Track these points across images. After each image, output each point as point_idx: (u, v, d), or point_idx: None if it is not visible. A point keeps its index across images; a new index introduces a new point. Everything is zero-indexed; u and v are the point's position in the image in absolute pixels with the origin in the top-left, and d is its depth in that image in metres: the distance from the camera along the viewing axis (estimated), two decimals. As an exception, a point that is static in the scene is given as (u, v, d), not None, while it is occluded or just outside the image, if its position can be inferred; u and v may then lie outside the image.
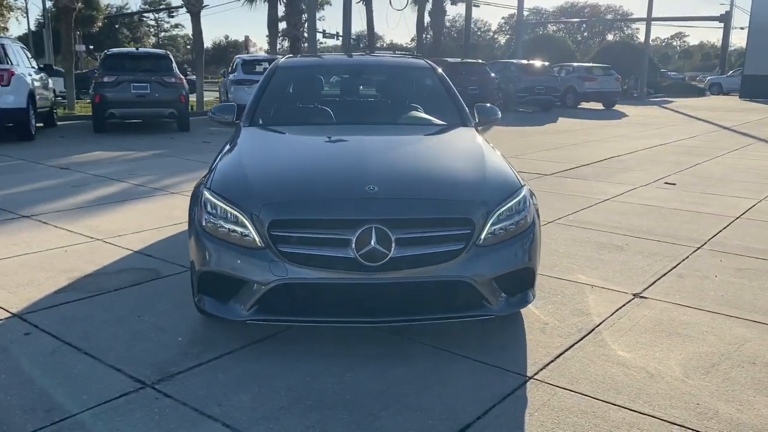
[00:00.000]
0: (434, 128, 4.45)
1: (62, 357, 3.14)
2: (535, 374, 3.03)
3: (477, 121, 4.56)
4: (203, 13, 20.26)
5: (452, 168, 3.54)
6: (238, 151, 3.78)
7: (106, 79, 12.90)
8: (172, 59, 14.06)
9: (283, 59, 5.06)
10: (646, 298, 4.07)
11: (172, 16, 74.65)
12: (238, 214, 3.08)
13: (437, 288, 3.09)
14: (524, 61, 23.87)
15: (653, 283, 4.35)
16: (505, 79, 22.15)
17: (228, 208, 3.13)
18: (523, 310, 3.72)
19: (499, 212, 3.20)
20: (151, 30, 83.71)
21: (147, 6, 78.37)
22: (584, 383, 2.95)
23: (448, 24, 60.21)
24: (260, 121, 4.35)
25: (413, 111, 4.72)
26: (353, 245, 2.95)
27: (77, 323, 3.56)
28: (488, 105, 4.76)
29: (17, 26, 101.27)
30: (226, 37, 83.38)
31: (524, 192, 3.40)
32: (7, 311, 3.70)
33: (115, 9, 67.67)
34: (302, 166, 3.53)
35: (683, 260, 4.87)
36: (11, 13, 53.48)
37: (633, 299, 4.03)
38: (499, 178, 3.46)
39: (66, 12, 19.66)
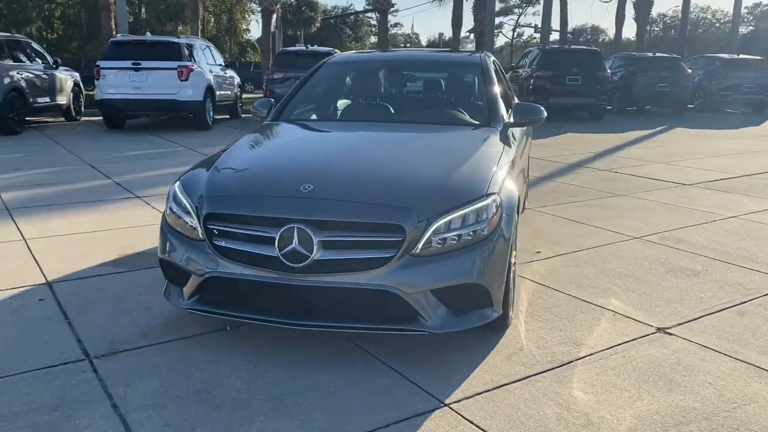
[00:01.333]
0: (452, 129, 4.17)
1: (47, 324, 3.50)
2: (454, 402, 2.75)
3: (512, 121, 4.21)
4: (411, 12, 20.84)
5: (412, 172, 3.31)
6: (230, 146, 3.90)
7: (275, 76, 13.91)
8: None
9: (335, 55, 5.09)
10: (670, 334, 3.48)
11: (393, 14, 77.92)
12: (188, 206, 3.20)
13: (363, 296, 2.93)
14: (732, 56, 21.18)
15: (698, 318, 3.69)
16: (707, 75, 19.92)
17: (184, 200, 3.25)
18: (508, 331, 3.40)
19: (444, 220, 2.94)
20: (372, 29, 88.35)
21: (370, 6, 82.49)
22: (499, 421, 2.62)
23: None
24: (282, 117, 4.43)
25: (447, 110, 4.50)
26: (276, 244, 2.91)
27: (87, 294, 3.94)
28: (528, 104, 4.40)
29: (257, 27, 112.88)
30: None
31: (487, 201, 3.08)
32: (45, 278, 4.20)
33: (340, 10, 72.18)
34: (262, 163, 3.55)
35: (760, 297, 4.05)
36: (252, 15, 59.83)
37: (653, 333, 3.47)
38: (460, 185, 3.17)
39: (267, 14, 21.56)
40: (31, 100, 12.43)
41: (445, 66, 5.03)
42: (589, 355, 3.21)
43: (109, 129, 13.03)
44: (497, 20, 75.50)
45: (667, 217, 6.13)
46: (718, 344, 3.35)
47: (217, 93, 13.57)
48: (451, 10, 24.22)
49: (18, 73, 12.08)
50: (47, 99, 13.26)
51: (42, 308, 3.72)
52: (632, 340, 3.39)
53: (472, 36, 25.80)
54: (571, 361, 3.14)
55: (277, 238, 2.91)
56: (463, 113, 4.35)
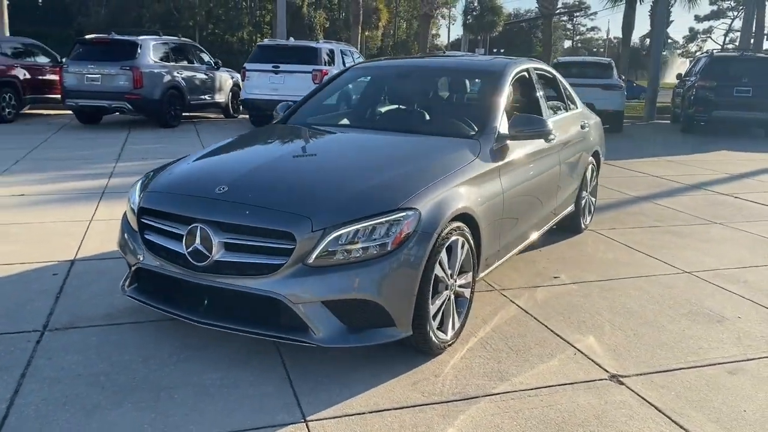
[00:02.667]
0: (426, 139, 3.98)
1: (40, 297, 3.91)
2: (314, 420, 2.68)
3: (507, 133, 3.94)
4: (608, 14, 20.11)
5: (330, 180, 3.23)
6: (211, 145, 4.08)
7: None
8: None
9: (362, 62, 5.09)
10: (621, 383, 3.06)
11: (591, 18, 74.42)
12: (135, 200, 3.43)
13: (255, 301, 2.94)
14: None
15: (672, 370, 3.21)
16: None
17: (134, 194, 3.49)
18: (442, 356, 3.24)
19: (342, 232, 2.86)
20: (567, 33, 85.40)
21: (567, 9, 79.75)
22: (341, 445, 2.51)
23: None
24: (289, 120, 4.52)
25: (435, 119, 4.33)
26: (183, 241, 3.03)
27: (92, 274, 4.34)
28: (527, 116, 4.09)
29: (447, 32, 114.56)
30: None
31: (396, 216, 2.94)
32: (74, 256, 4.71)
33: (533, 13, 70.60)
34: (204, 164, 3.65)
35: (777, 354, 3.41)
36: (443, 20, 61.09)
37: (600, 380, 3.08)
38: (373, 197, 3.05)
39: (426, 18, 21.85)
40: (189, 97, 13.77)
41: (460, 74, 4.81)
42: (505, 393, 2.94)
43: (255, 127, 14.02)
44: (706, 24, 69.14)
45: (747, 252, 5.33)
46: (668, 402, 2.89)
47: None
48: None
49: (178, 73, 13.46)
50: (205, 97, 14.61)
51: (48, 283, 4.17)
52: (570, 383, 3.04)
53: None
54: (477, 397, 2.89)
55: (184, 235, 3.02)
56: (453, 123, 4.15)
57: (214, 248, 2.95)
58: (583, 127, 5.40)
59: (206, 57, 15.11)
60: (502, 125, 3.97)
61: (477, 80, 4.60)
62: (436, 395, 2.89)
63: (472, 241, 3.42)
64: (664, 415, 2.78)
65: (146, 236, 3.24)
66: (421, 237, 2.97)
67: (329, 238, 2.85)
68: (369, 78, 4.94)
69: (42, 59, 14.67)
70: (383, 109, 4.61)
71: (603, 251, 5.24)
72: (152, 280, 3.29)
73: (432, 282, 3.07)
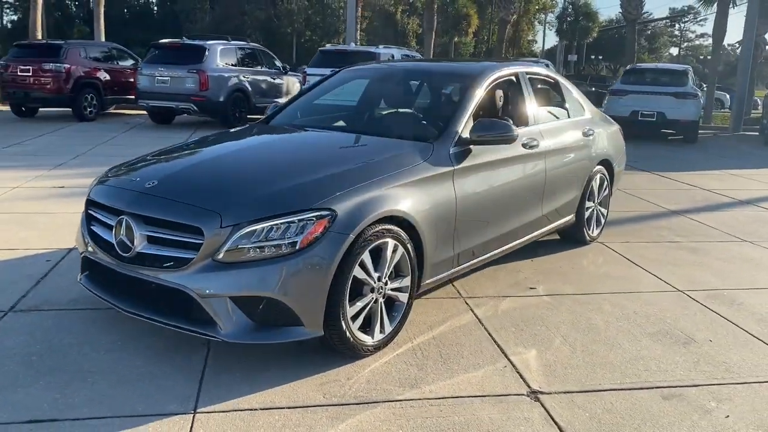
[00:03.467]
0: (377, 140, 3.92)
1: (24, 280, 4.18)
2: (203, 412, 2.74)
3: (468, 138, 3.86)
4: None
5: (252, 179, 3.28)
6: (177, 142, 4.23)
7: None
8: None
9: (353, 66, 5.11)
10: (536, 400, 2.94)
11: (701, 24, 70.33)
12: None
13: (170, 293, 3.03)
14: None
15: (600, 390, 3.04)
16: None
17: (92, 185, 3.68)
18: (367, 359, 3.22)
19: (252, 229, 2.91)
20: (673, 39, 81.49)
21: (674, 14, 75.96)
22: (214, 438, 2.55)
23: None
24: (270, 121, 4.61)
25: (396, 121, 4.32)
26: (113, 233, 3.18)
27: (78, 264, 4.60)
28: (492, 120, 3.97)
29: (544, 38, 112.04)
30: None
31: (308, 216, 2.95)
32: (72, 246, 5.00)
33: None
34: (152, 160, 3.76)
35: (725, 384, 3.15)
36: (539, 26, 60.15)
37: (514, 395, 2.96)
38: (289, 196, 3.07)
39: (503, 24, 21.53)
40: (254, 100, 14.22)
41: (437, 78, 4.72)
42: (408, 400, 2.88)
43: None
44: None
45: (763, 274, 4.92)
46: (576, 424, 2.74)
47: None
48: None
49: (244, 77, 13.95)
50: (271, 99, 15.04)
51: (39, 268, 4.46)
52: (482, 396, 2.94)
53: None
54: (377, 402, 2.86)
55: (113, 227, 3.16)
56: (412, 126, 4.11)
57: (136, 240, 3.07)
58: (586, 134, 5.18)
59: (277, 62, 15.57)
60: (466, 129, 3.88)
61: (451, 84, 4.52)
62: (336, 397, 2.88)
63: (410, 245, 3.37)
64: (563, 435, 2.64)
65: (91, 227, 3.41)
66: (334, 238, 2.97)
67: (238, 235, 2.90)
68: (353, 81, 4.96)
69: (125, 62, 15.62)
70: (353, 111, 4.62)
71: (599, 265, 5.00)
72: (96, 270, 3.46)
73: (349, 283, 3.05)
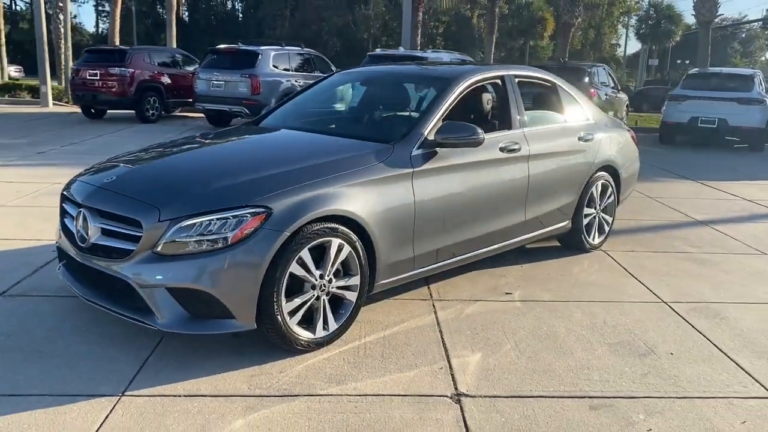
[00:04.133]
0: (338, 141, 3.99)
1: (21, 267, 4.50)
2: (130, 395, 2.89)
3: (433, 140, 3.88)
4: None
5: (201, 175, 3.41)
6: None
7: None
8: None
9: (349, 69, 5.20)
10: (456, 402, 2.93)
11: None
12: (69, 187, 3.86)
13: (115, 282, 3.20)
14: None
15: (528, 397, 3.00)
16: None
17: None
18: (307, 355, 3.31)
19: (188, 223, 3.05)
20: (768, 44, 77.26)
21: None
22: (138, 420, 2.70)
23: None
24: (257, 122, 4.76)
25: (364, 123, 4.38)
26: (74, 224, 3.40)
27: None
28: (459, 123, 3.96)
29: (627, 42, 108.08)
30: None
31: (242, 212, 3.07)
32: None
33: (730, 21, 64.52)
34: (129, 157, 3.95)
35: (667, 398, 3.04)
36: (622, 30, 58.52)
37: (435, 396, 2.97)
38: (227, 192, 3.19)
39: (566, 27, 21.08)
40: (306, 103, 14.50)
41: (415, 81, 4.71)
42: (327, 395, 2.95)
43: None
44: None
45: (762, 287, 4.67)
46: (487, 428, 2.72)
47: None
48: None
49: (296, 81, 14.29)
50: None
51: (43, 257, 4.77)
52: (404, 395, 2.97)
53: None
54: (297, 395, 2.94)
55: (74, 219, 3.38)
56: (376, 127, 4.16)
57: (91, 231, 3.27)
58: (583, 139, 5.06)
59: (332, 67, 15.85)
60: (433, 132, 3.90)
61: (426, 88, 4.52)
62: (260, 389, 2.97)
63: (359, 245, 3.42)
64: (467, 439, 2.64)
65: (64, 219, 3.65)
66: (267, 234, 3.06)
67: (175, 228, 3.04)
68: (343, 84, 5.04)
69: (189, 67, 16.30)
70: (331, 113, 4.71)
71: (590, 273, 4.88)
72: (67, 260, 3.69)
73: (284, 279, 3.13)
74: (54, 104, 19.14)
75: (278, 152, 3.94)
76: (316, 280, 3.29)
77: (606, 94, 14.12)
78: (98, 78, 14.72)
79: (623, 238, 5.90)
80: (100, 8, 67.15)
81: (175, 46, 22.66)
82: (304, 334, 3.30)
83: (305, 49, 15.58)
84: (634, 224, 6.51)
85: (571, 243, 5.31)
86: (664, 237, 6.05)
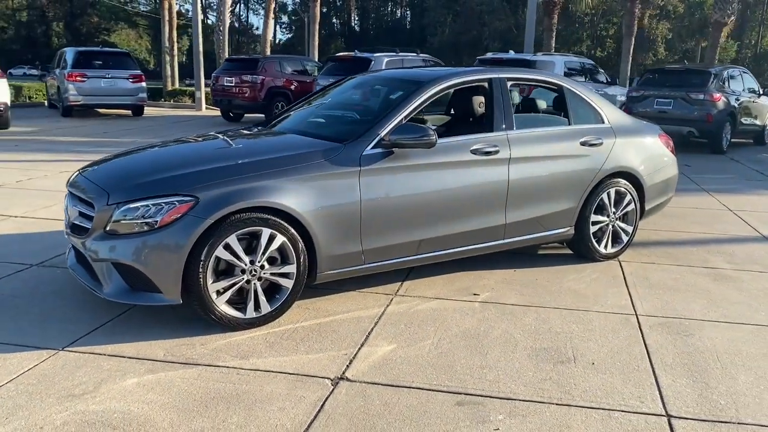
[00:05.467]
0: (299, 140, 4.29)
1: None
2: (68, 350, 3.42)
3: (388, 140, 4.06)
4: None
5: (155, 168, 3.84)
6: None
7: (633, 94, 13.11)
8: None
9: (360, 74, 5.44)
10: (335, 385, 3.12)
11: None
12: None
13: (82, 256, 3.77)
14: None
15: (411, 388, 3.12)
16: None
17: None
18: (242, 332, 3.66)
19: (128, 207, 3.53)
20: None
21: None
22: (59, 374, 3.22)
23: None
24: (267, 123, 5.17)
25: (329, 124, 4.70)
26: (66, 208, 4.04)
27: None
28: (412, 125, 4.10)
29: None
30: None
31: (170, 199, 3.49)
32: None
33: None
34: (126, 153, 4.50)
35: (543, 403, 3.00)
36: None
37: (315, 378, 3.18)
38: (165, 182, 3.60)
39: (717, 27, 19.44)
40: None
41: (397, 85, 4.78)
42: (223, 366, 3.26)
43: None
44: None
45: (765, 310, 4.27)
46: (337, 409, 2.90)
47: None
48: None
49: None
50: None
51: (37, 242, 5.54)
52: (289, 374, 3.21)
53: None
54: (197, 364, 3.28)
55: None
56: (336, 127, 4.39)
57: (70, 212, 3.87)
58: (588, 143, 4.91)
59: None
60: (390, 133, 4.07)
61: (400, 90, 4.62)
62: (171, 356, 3.36)
63: (296, 235, 3.71)
64: (320, 417, 2.83)
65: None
66: (191, 220, 3.45)
67: (119, 211, 3.54)
68: (341, 88, 5.30)
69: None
70: (315, 114, 4.98)
71: (581, 281, 4.73)
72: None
73: (209, 261, 3.50)
74: (207, 108, 21.18)
75: (238, 148, 4.32)
76: (246, 265, 3.62)
77: (737, 99, 12.96)
78: (233, 85, 16.14)
79: (653, 249, 5.59)
80: (279, 20, 73.10)
81: (317, 54, 24.03)
82: (232, 313, 3.64)
83: (421, 54, 15.92)
84: (679, 236, 6.11)
85: (579, 251, 5.17)
86: (704, 250, 5.63)
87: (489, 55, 14.46)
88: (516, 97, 5.20)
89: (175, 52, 27.49)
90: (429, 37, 66.91)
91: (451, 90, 4.82)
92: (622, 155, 5.11)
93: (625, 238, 5.28)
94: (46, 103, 20.82)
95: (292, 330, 3.73)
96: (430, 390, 3.08)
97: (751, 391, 3.13)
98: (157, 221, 3.46)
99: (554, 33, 20.59)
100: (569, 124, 4.99)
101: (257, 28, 77.27)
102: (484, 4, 53.85)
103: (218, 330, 3.65)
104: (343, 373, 3.23)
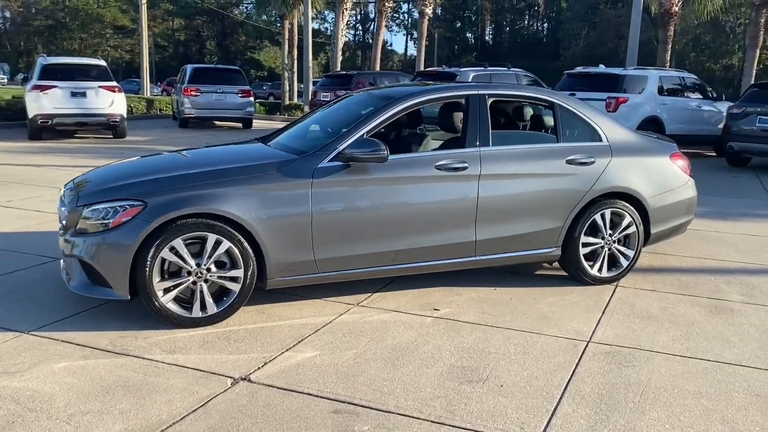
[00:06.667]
0: (262, 151, 4.58)
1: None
2: (32, 334, 3.86)
3: (345, 154, 4.20)
4: None
5: (125, 176, 4.23)
6: None
7: (734, 111, 12.18)
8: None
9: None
10: (234, 384, 3.31)
11: None
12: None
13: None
14: None
15: (297, 393, 3.24)
16: None
17: None
18: (177, 331, 3.95)
19: (90, 209, 3.92)
20: None
21: None
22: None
23: None
24: (262, 139, 5.44)
25: (301, 138, 4.84)
26: (60, 210, 4.55)
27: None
28: (367, 139, 4.21)
29: None
30: None
31: (121, 203, 3.84)
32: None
33: None
34: (119, 161, 4.92)
35: (422, 420, 3.00)
36: None
37: (224, 377, 3.38)
38: (121, 189, 3.97)
39: None
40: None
41: (373, 101, 4.82)
42: (145, 359, 3.54)
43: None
44: None
45: (744, 348, 3.91)
46: (219, 405, 3.08)
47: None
48: None
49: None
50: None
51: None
52: (199, 370, 3.42)
53: None
54: (126, 355, 3.58)
55: None
56: (303, 142, 4.53)
57: (60, 215, 4.35)
58: (575, 162, 4.73)
59: (543, 85, 15.73)
60: (348, 147, 4.21)
61: (371, 106, 4.68)
62: (111, 346, 3.69)
63: (244, 242, 3.95)
64: (198, 411, 3.03)
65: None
66: (138, 223, 3.79)
67: (84, 212, 3.95)
68: (334, 104, 5.45)
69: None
70: (302, 130, 5.15)
71: (556, 305, 4.56)
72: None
73: (154, 262, 3.80)
74: (314, 121, 22.12)
75: (204, 159, 4.62)
76: (192, 267, 3.90)
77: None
78: (329, 99, 16.78)
79: (665, 275, 5.27)
80: (409, 35, 75.09)
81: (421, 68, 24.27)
82: (178, 311, 3.92)
83: (514, 69, 15.68)
84: (712, 264, 5.67)
85: (570, 273, 4.98)
86: (725, 280, 5.20)
87: (578, 69, 13.99)
88: (505, 113, 5.13)
89: (295, 68, 28.95)
90: (562, 50, 65.25)
91: (436, 106, 4.86)
92: (618, 175, 4.87)
93: (624, 263, 5.01)
94: (173, 115, 22.70)
95: (234, 331, 3.94)
96: (317, 396, 3.17)
97: (650, 430, 2.93)
98: (110, 222, 3.82)
99: (669, 46, 19.44)
100: (557, 142, 4.84)
101: (391, 44, 79.65)
102: (622, 17, 51.74)
103: (168, 326, 3.94)
104: (250, 374, 3.39)
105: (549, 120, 5.00)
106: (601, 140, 4.94)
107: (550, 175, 4.68)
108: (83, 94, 14.22)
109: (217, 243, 3.91)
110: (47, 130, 14.31)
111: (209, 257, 3.92)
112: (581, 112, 4.96)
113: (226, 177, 4.01)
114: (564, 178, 4.72)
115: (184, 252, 3.87)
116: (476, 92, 4.70)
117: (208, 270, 3.94)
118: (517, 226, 4.63)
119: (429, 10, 24.86)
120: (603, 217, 4.86)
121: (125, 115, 15.00)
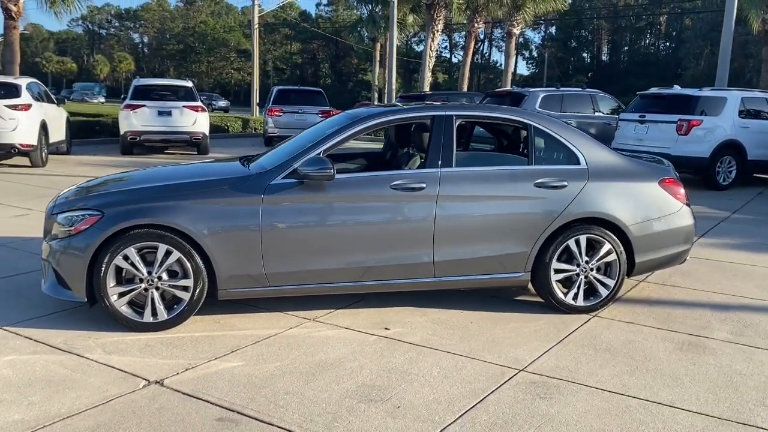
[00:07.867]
0: (225, 168, 4.88)
1: None
2: (7, 329, 4.26)
3: (299, 172, 4.32)
4: None
5: (102, 188, 4.55)
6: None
7: None
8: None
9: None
10: (147, 385, 3.50)
11: None
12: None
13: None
14: None
15: (201, 400, 3.38)
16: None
17: None
18: (140, 334, 4.21)
19: (59, 217, 4.29)
20: None
21: None
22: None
23: None
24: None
25: (270, 155, 4.99)
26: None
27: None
28: (317, 158, 4.31)
29: None
30: None
31: (82, 213, 4.18)
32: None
33: None
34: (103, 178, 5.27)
35: None
36: None
37: (144, 380, 3.58)
38: (88, 199, 4.31)
39: None
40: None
41: (341, 119, 4.84)
42: (83, 357, 3.81)
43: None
44: None
45: (695, 391, 3.63)
46: (134, 407, 3.28)
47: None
48: None
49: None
50: None
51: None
52: (122, 371, 3.64)
53: None
54: (70, 353, 3.87)
55: None
56: (267, 159, 4.68)
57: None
58: (544, 186, 4.58)
59: (619, 104, 15.16)
60: (302, 165, 4.34)
61: (336, 126, 4.73)
62: (62, 344, 3.99)
63: (194, 253, 4.17)
64: (98, 407, 3.24)
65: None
66: (94, 231, 4.09)
67: (57, 219, 4.32)
68: (321, 123, 5.56)
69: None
70: (278, 148, 5.28)
71: (513, 330, 4.42)
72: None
73: (108, 268, 4.08)
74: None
75: (175, 174, 4.89)
76: (144, 275, 4.15)
77: None
78: (402, 119, 17.01)
79: (654, 307, 4.97)
80: (521, 55, 75.58)
81: (509, 86, 24.00)
82: (130, 315, 4.18)
83: (589, 89, 15.22)
84: (719, 298, 5.28)
85: (543, 299, 4.82)
86: (719, 317, 4.82)
87: (652, 90, 13.32)
88: (475, 135, 5.05)
89: (386, 89, 29.47)
90: (682, 70, 62.13)
91: (410, 125, 4.90)
92: (595, 200, 4.67)
93: (604, 292, 4.77)
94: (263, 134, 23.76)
95: (179, 338, 4.15)
96: (212, 404, 3.29)
97: (519, 463, 2.81)
98: (71, 229, 4.16)
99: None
100: (529, 164, 4.72)
101: (500, 64, 79.25)
102: (750, 34, 48.61)
103: (122, 329, 4.20)
104: (165, 378, 3.56)
105: (521, 142, 4.89)
106: (578, 163, 4.77)
107: (514, 198, 4.58)
108: (169, 113, 15.26)
109: (168, 253, 4.14)
110: (137, 145, 15.44)
111: (160, 266, 4.15)
112: (558, 135, 4.81)
113: (180, 191, 4.25)
114: (531, 201, 4.59)
115: (136, 260, 4.13)
116: (442, 113, 4.68)
117: (160, 278, 4.17)
118: (478, 249, 4.55)
119: (516, 30, 24.62)
120: (578, 243, 4.67)
121: (207, 133, 15.90)
